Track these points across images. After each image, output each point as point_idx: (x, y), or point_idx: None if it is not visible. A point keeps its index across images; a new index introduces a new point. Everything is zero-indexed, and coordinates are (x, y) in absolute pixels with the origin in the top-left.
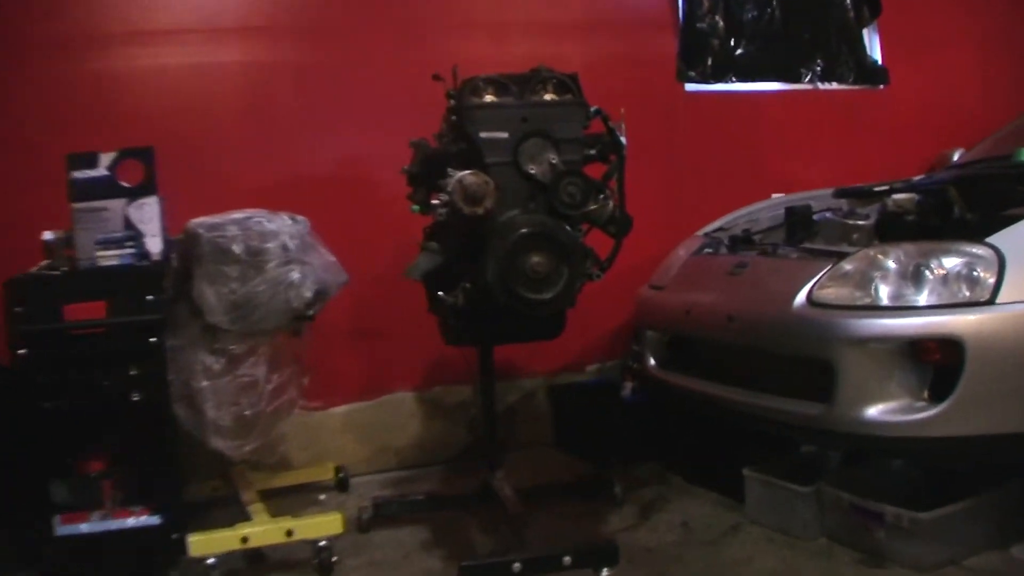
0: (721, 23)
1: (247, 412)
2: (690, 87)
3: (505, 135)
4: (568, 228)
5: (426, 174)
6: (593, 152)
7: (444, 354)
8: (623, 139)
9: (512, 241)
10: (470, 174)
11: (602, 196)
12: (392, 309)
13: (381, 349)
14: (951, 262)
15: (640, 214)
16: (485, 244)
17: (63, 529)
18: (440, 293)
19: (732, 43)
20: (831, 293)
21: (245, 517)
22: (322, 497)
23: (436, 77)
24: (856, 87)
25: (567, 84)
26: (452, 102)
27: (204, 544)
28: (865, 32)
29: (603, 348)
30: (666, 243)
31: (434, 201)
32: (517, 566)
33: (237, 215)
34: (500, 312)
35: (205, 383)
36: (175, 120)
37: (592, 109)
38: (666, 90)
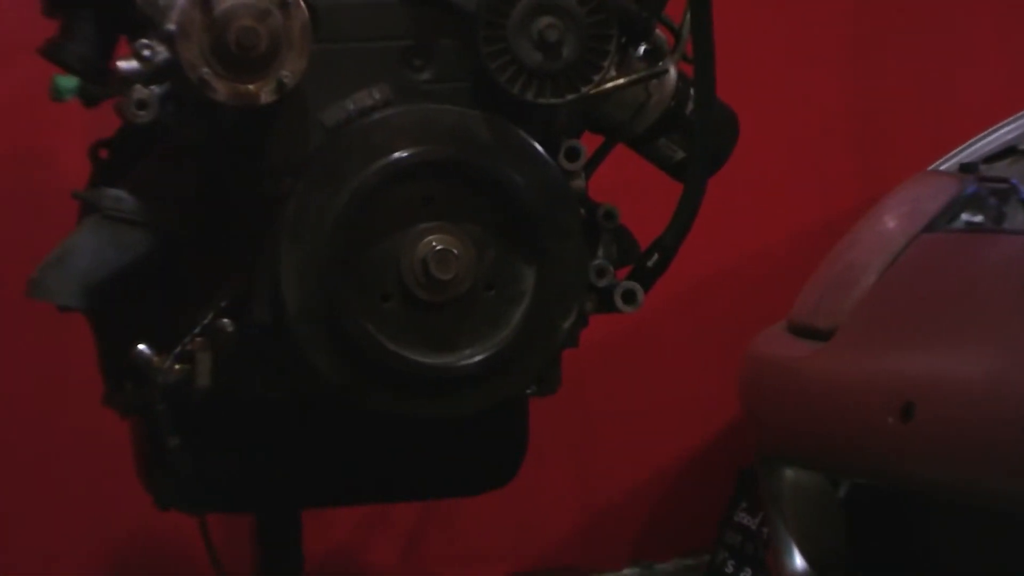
0: None
1: None
2: None
3: None
4: (536, 149)
5: None
6: None
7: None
8: None
9: (359, 190)
10: None
11: (642, 49)
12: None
13: None
14: None
15: (755, 116)
16: (277, 198)
17: None
18: (141, 347)
19: None
20: None
21: None
22: None
23: None
24: None
25: None
26: None
27: None
28: None
29: (645, 515)
30: (834, 201)
31: (121, 65)
32: None
33: None
34: (321, 404)
35: None
36: None
37: None
38: None
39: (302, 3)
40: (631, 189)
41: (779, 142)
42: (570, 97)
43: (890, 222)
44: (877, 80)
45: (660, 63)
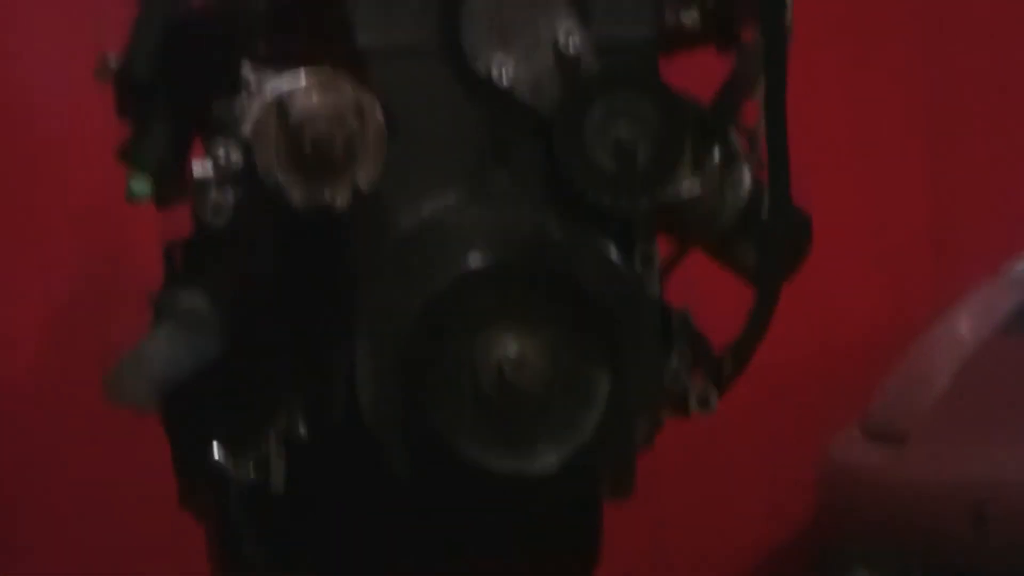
0: None
1: None
2: None
3: None
4: (611, 254)
5: (172, 84)
6: (685, 18)
7: None
8: None
9: (434, 294)
10: (307, 86)
11: (719, 152)
12: None
13: None
14: None
15: (829, 216)
16: (353, 301)
17: None
18: (215, 449)
19: None
20: None
21: None
22: None
23: None
24: None
25: None
26: None
27: None
28: None
29: None
30: (909, 303)
31: (197, 171)
32: None
33: None
34: (403, 507)
35: None
36: None
37: None
38: None
39: (378, 108)
40: (706, 292)
41: (853, 242)
42: (645, 202)
43: (963, 325)
44: (954, 181)
45: (735, 167)
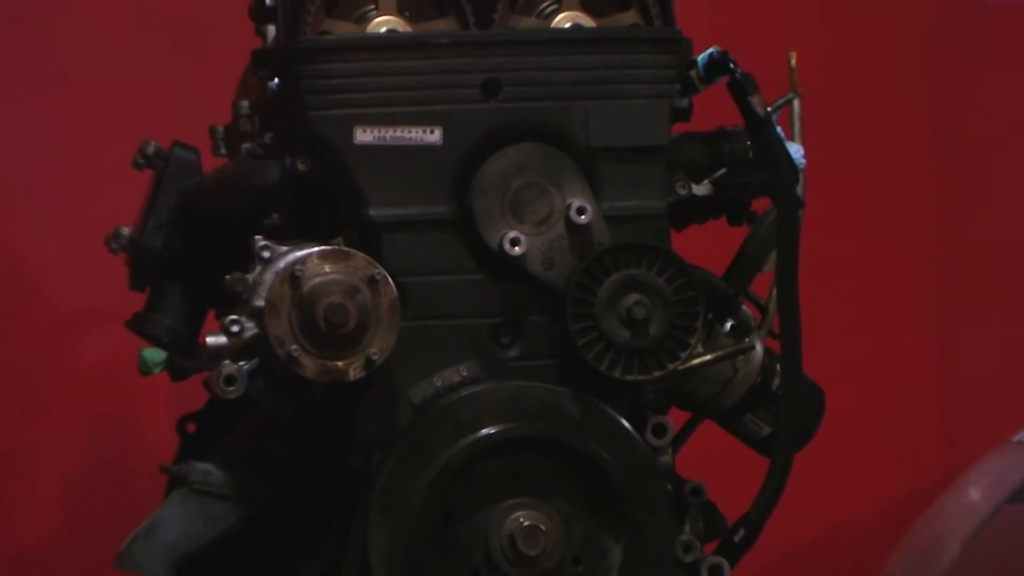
0: None
1: None
2: None
3: (434, 136)
4: (623, 425)
5: (185, 256)
6: (700, 190)
7: None
8: (797, 151)
9: (447, 466)
10: (320, 258)
11: (731, 323)
12: None
13: None
14: None
15: (840, 387)
16: (367, 472)
17: None
18: None
19: None
20: None
21: None
22: None
23: None
24: None
25: None
26: (268, 36)
27: None
28: None
29: None
30: (919, 472)
31: (210, 341)
32: None
33: None
34: None
35: None
36: None
37: (704, 55)
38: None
39: (390, 280)
40: (717, 463)
41: (863, 412)
42: (657, 374)
43: (974, 493)
44: (964, 350)
45: (746, 339)
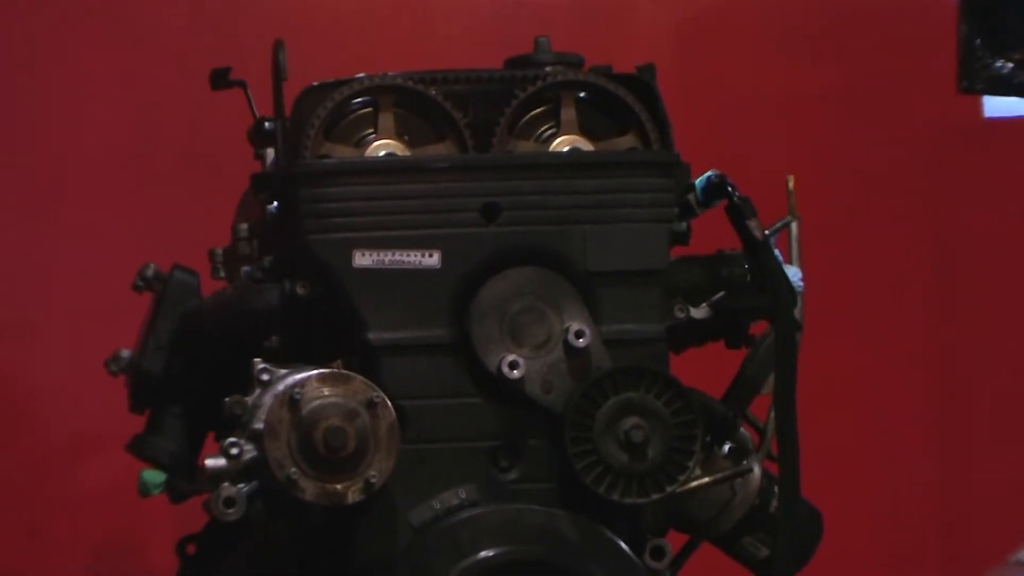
0: None
1: None
2: (993, 107)
3: (433, 259)
4: (622, 547)
5: (184, 378)
6: (698, 313)
7: None
8: (795, 274)
9: None
10: (319, 381)
11: (729, 446)
12: None
13: None
14: None
15: (835, 502)
16: None
17: None
18: None
19: None
20: None
21: None
22: None
23: (220, 80)
24: None
25: (624, 105)
26: (267, 159)
27: None
28: None
29: None
30: None
31: (209, 463)
32: None
33: None
34: None
35: None
36: None
37: (702, 179)
38: (915, 120)
39: (389, 404)
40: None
41: (862, 534)
42: (655, 497)
43: None
44: (963, 470)
45: (744, 462)
